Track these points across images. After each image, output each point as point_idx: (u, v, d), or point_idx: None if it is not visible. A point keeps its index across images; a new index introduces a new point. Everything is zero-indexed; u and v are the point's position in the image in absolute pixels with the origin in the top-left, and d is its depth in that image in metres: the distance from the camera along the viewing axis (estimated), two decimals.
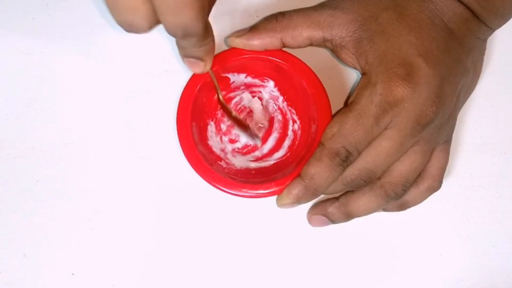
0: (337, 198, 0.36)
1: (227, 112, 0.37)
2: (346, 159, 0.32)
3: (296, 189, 0.34)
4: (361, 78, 0.34)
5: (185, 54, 0.32)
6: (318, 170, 0.33)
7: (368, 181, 0.34)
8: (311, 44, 0.35)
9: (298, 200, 0.34)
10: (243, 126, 0.37)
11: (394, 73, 0.32)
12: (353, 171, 0.33)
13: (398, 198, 0.34)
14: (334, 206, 0.36)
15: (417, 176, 0.35)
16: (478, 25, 0.34)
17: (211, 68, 0.34)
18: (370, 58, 0.33)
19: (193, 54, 0.31)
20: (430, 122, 0.32)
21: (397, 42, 0.33)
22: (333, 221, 0.36)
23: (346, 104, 0.36)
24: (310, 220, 0.37)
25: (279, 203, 0.35)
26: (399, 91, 0.32)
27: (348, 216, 0.36)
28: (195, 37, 0.28)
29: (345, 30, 0.34)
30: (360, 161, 0.33)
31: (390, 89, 0.32)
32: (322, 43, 0.35)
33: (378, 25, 0.33)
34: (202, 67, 0.33)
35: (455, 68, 0.33)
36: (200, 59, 0.32)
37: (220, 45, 0.38)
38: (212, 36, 0.31)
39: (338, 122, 0.33)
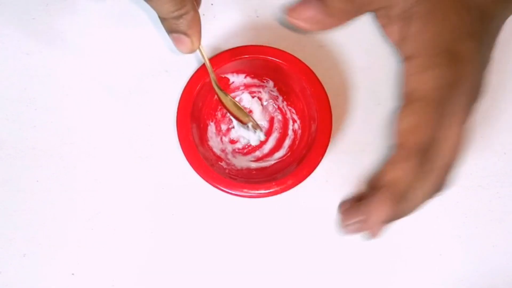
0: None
1: (222, 97, 0.35)
2: (427, 153, 0.30)
3: (385, 201, 0.30)
4: (408, 61, 0.33)
5: (168, 29, 0.31)
6: (404, 170, 0.30)
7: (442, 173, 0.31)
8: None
9: (393, 218, 0.30)
10: (242, 116, 0.36)
11: (446, 55, 0.31)
12: (435, 167, 0.30)
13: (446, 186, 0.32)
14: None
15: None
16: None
17: (201, 48, 0.33)
18: (419, 41, 0.32)
19: (175, 27, 0.30)
20: (476, 103, 0.32)
21: (447, 23, 0.32)
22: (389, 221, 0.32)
23: (403, 94, 0.33)
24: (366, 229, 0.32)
25: (368, 227, 0.31)
26: (455, 72, 0.31)
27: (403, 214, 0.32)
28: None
29: (403, 3, 0.33)
30: (440, 153, 0.30)
31: (447, 70, 0.31)
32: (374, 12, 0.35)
33: (431, 4, 0.32)
34: (189, 44, 0.31)
35: (492, 49, 0.34)
36: (184, 33, 0.31)
37: (220, 45, 0.38)
38: (192, 4, 0.30)
39: (410, 115, 0.31)
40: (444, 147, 0.31)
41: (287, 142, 0.38)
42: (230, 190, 0.35)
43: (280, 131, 0.39)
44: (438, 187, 0.31)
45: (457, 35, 0.32)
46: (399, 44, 0.34)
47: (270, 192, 0.35)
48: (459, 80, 0.31)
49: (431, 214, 0.39)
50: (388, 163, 0.31)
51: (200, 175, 0.35)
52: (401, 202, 0.31)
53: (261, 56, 0.36)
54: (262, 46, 0.36)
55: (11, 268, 0.37)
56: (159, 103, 0.38)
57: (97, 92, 0.38)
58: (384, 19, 0.35)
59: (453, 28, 0.32)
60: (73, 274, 0.37)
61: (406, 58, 0.33)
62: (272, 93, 0.39)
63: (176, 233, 0.38)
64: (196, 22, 0.31)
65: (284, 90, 0.38)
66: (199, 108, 0.37)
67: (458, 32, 0.32)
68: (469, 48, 0.32)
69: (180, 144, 0.35)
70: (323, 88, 0.36)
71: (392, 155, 0.30)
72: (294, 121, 0.38)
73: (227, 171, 0.37)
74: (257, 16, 0.39)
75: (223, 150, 0.38)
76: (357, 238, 0.38)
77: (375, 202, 0.30)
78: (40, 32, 0.38)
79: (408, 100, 0.32)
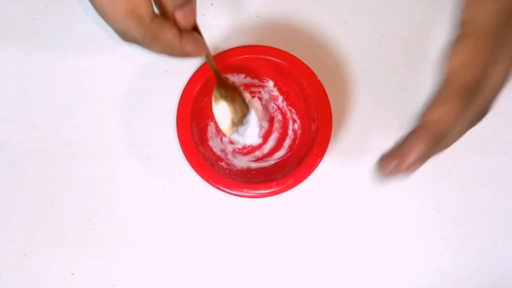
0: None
1: (223, 83, 0.34)
2: (474, 92, 0.27)
3: (422, 141, 0.27)
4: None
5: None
6: (447, 110, 0.27)
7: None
8: None
9: (427, 155, 0.27)
10: (243, 104, 0.35)
11: None
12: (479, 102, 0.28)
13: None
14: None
15: None
16: None
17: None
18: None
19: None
20: None
21: None
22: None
23: (459, 23, 0.29)
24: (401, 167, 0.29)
25: (404, 169, 0.28)
26: None
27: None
28: None
29: None
30: (485, 89, 0.28)
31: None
32: None
33: None
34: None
35: None
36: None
37: (220, 45, 0.38)
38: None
39: (463, 49, 0.28)
40: (490, 83, 0.28)
41: (287, 142, 0.38)
42: (230, 190, 0.35)
43: (280, 131, 0.39)
44: (476, 121, 0.29)
45: None
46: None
47: (270, 192, 0.35)
48: None
49: (431, 214, 0.39)
50: (432, 102, 0.28)
51: (200, 175, 0.35)
52: (439, 142, 0.28)
53: (261, 56, 0.36)
54: (262, 46, 0.36)
55: (11, 268, 0.37)
56: (159, 103, 0.38)
57: (97, 92, 0.38)
58: None
59: None
60: (73, 274, 0.37)
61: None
62: (272, 93, 0.39)
63: (176, 233, 0.38)
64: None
65: (284, 90, 0.38)
66: (199, 108, 0.37)
67: None
68: None
69: (180, 144, 0.35)
70: (323, 88, 0.36)
71: (438, 92, 0.28)
72: (294, 121, 0.38)
73: (227, 171, 0.37)
74: (257, 16, 0.39)
75: (223, 150, 0.38)
76: (357, 239, 0.38)
77: (412, 144, 0.28)
78: (40, 32, 0.38)
79: (463, 30, 0.28)
